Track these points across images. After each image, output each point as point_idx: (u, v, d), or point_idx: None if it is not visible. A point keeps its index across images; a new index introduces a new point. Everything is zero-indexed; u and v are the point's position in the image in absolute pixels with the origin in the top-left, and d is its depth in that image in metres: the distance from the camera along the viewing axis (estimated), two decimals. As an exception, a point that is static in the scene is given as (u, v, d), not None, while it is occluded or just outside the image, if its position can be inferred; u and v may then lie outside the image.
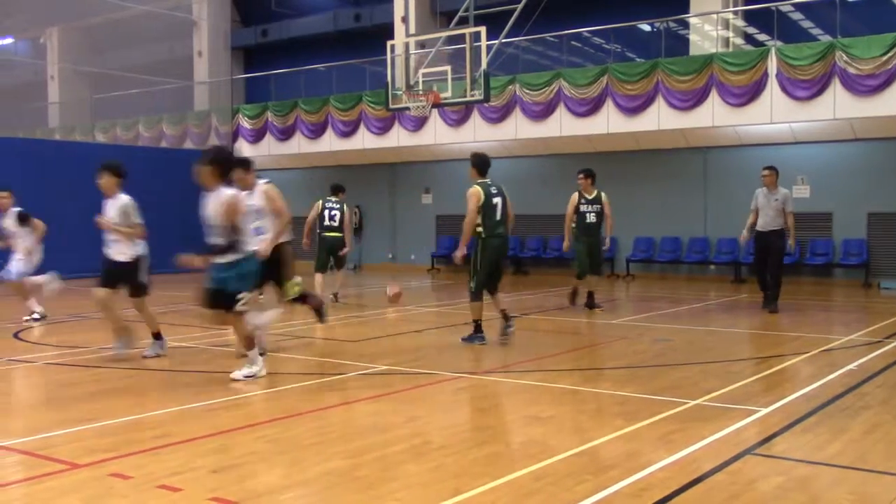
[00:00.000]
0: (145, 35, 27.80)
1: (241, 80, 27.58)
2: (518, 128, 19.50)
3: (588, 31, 20.60)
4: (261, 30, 27.63)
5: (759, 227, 12.50)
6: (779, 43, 17.35)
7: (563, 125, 18.76)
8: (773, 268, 12.54)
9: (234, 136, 24.36)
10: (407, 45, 16.62)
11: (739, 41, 19.19)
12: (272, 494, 4.46)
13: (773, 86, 16.56)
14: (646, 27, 20.36)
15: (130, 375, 7.92)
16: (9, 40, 31.35)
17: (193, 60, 27.22)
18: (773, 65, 16.54)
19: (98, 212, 8.54)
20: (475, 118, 20.05)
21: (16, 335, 10.69)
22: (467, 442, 5.47)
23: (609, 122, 18.29)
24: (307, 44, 26.44)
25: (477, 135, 20.17)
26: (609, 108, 18.27)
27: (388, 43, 17.09)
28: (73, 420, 6.07)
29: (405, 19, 19.44)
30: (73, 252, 19.44)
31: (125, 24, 27.54)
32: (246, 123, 24.14)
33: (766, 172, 12.61)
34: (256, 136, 23.92)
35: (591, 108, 18.41)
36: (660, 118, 17.76)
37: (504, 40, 16.71)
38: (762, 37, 19.18)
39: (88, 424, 5.94)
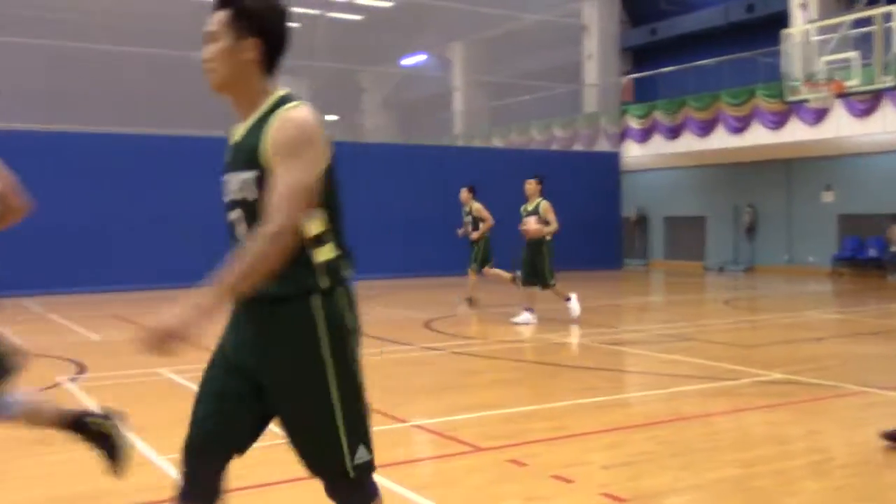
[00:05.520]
0: (538, 43, 29.03)
1: (629, 80, 27.71)
2: (938, 115, 17.33)
3: None
4: (650, 29, 27.53)
5: None
6: None
7: None
8: None
9: (622, 136, 24.60)
10: (807, 33, 15.59)
11: None
12: (663, 496, 4.44)
13: None
14: None
15: (523, 367, 8.37)
16: (422, 56, 34.50)
17: (583, 64, 27.90)
18: None
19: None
20: (885, 107, 18.14)
21: (427, 325, 11.79)
22: (876, 463, 4.97)
23: None
24: (695, 40, 25.81)
25: (887, 125, 18.26)
26: None
27: (783, 32, 16.17)
28: (475, 406, 6.55)
29: (805, 5, 18.26)
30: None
31: (520, 34, 28.99)
32: (634, 123, 24.24)
33: None
34: (644, 136, 23.92)
35: None
36: None
37: (922, 18, 14.96)
38: None
39: (488, 411, 6.38)
